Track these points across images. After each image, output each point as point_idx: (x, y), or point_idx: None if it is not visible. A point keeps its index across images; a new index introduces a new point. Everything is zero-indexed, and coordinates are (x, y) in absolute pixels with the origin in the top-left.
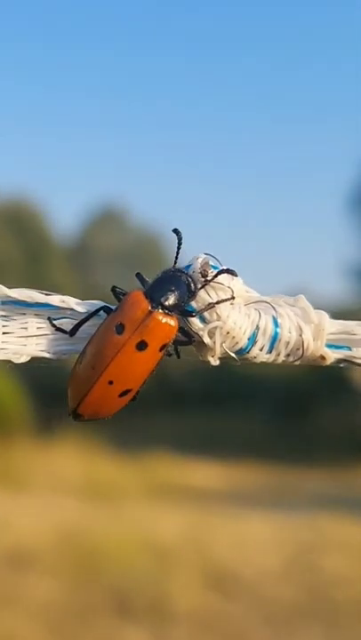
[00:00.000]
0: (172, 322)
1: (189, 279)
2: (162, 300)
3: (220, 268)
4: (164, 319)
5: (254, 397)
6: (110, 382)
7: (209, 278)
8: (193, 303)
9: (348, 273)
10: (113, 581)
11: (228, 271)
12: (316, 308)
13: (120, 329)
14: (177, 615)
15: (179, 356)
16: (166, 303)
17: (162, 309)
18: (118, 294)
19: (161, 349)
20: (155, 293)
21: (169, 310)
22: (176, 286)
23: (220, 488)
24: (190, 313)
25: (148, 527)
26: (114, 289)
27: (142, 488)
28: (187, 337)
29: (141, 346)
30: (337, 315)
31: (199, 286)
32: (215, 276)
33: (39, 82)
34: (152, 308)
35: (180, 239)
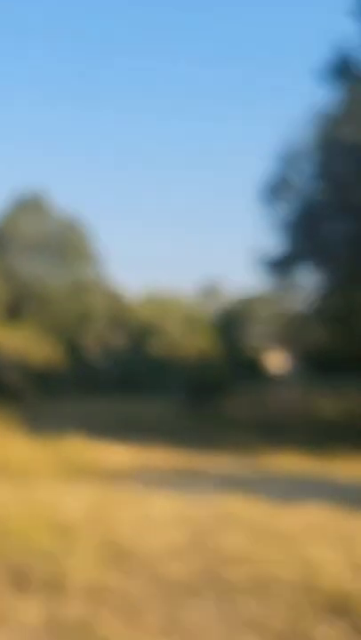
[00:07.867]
0: None
1: None
2: None
3: None
4: None
5: (167, 382)
6: None
7: None
8: None
9: (259, 263)
10: (12, 557)
11: None
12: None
13: None
14: (72, 590)
15: None
16: None
17: None
18: None
19: None
20: None
21: None
22: None
23: (129, 469)
24: None
25: (54, 506)
26: None
27: (53, 469)
28: None
29: None
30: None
31: None
32: None
33: None
34: None
35: None
